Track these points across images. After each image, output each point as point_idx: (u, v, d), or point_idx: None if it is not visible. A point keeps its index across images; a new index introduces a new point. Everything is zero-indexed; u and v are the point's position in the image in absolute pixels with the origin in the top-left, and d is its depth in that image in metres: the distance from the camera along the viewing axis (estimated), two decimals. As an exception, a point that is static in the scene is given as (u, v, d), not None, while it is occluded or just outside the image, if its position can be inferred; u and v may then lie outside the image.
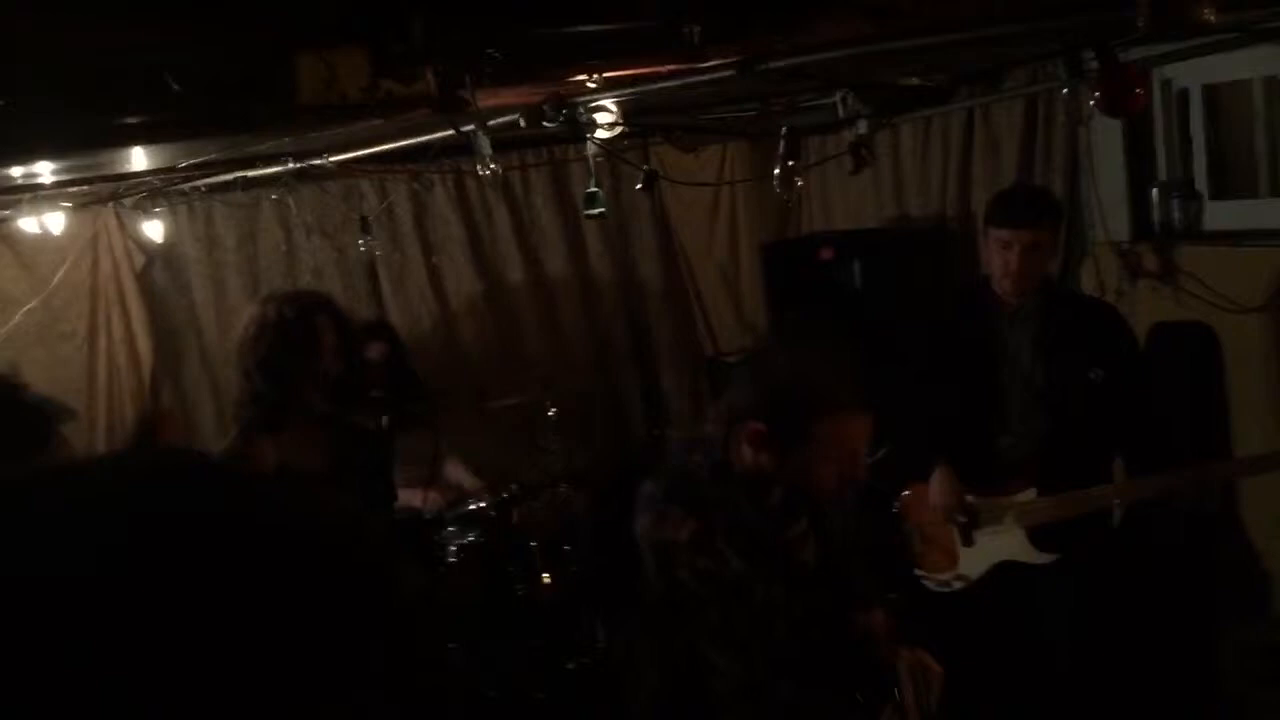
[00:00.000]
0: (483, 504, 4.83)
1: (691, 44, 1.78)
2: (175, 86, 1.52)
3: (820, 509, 2.43)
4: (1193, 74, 4.22)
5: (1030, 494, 3.49)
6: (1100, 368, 3.48)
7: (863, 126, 3.82)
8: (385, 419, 3.54)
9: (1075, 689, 3.50)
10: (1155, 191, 4.33)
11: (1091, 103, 2.40)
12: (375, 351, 4.58)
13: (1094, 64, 2.38)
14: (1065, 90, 2.46)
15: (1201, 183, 4.28)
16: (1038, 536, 3.48)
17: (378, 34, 1.61)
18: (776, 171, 2.78)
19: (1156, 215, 4.33)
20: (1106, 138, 4.38)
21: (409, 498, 4.51)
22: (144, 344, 5.14)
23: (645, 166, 3.69)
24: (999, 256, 3.42)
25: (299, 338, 2.93)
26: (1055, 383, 3.49)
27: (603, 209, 3.10)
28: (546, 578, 4.93)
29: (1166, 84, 4.32)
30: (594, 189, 3.05)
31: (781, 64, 2.01)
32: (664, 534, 2.20)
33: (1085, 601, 3.54)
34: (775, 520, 2.31)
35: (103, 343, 5.12)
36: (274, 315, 2.97)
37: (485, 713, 4.65)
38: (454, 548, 4.74)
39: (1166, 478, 3.36)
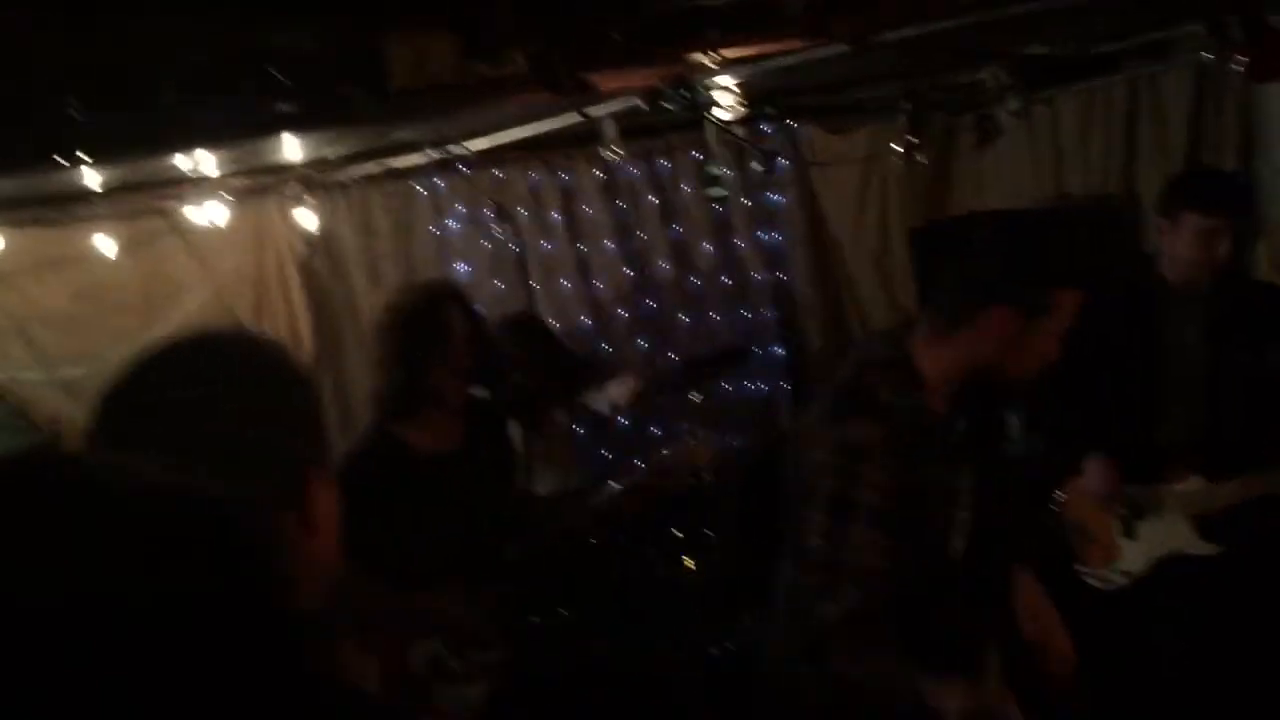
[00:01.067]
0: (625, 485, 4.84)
1: (795, 18, 1.73)
2: (277, 75, 1.56)
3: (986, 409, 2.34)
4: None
5: (1196, 482, 3.35)
6: (1274, 352, 3.30)
7: (1013, 102, 3.67)
8: (521, 403, 3.58)
9: (1243, 685, 3.33)
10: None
11: (1240, 69, 2.23)
12: (513, 341, 4.65)
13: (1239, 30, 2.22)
14: (1211, 57, 2.28)
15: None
16: (1204, 527, 3.34)
17: (466, 17, 1.62)
18: (900, 148, 2.69)
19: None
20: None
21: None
22: (306, 332, 5.33)
23: (763, 146, 3.61)
24: (1196, 243, 3.27)
25: (427, 327, 2.99)
26: (1225, 368, 3.36)
27: (725, 190, 3.06)
28: (689, 562, 4.91)
29: (1352, 50, 4.00)
30: (714, 170, 3.01)
31: (894, 36, 1.94)
32: (851, 437, 2.11)
33: (1254, 594, 3.36)
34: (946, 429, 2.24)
35: (268, 330, 5.32)
36: (405, 305, 3.05)
37: (627, 695, 4.67)
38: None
39: None
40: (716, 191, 3.12)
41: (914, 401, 2.18)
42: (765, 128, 5.24)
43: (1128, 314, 3.47)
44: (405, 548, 2.96)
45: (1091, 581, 3.52)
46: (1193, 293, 3.36)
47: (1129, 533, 3.41)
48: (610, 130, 2.75)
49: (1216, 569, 3.33)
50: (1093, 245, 2.52)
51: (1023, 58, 3.00)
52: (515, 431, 4.42)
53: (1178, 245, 3.31)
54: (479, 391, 3.29)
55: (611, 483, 4.80)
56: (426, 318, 2.98)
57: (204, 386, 1.14)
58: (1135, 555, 3.41)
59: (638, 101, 2.62)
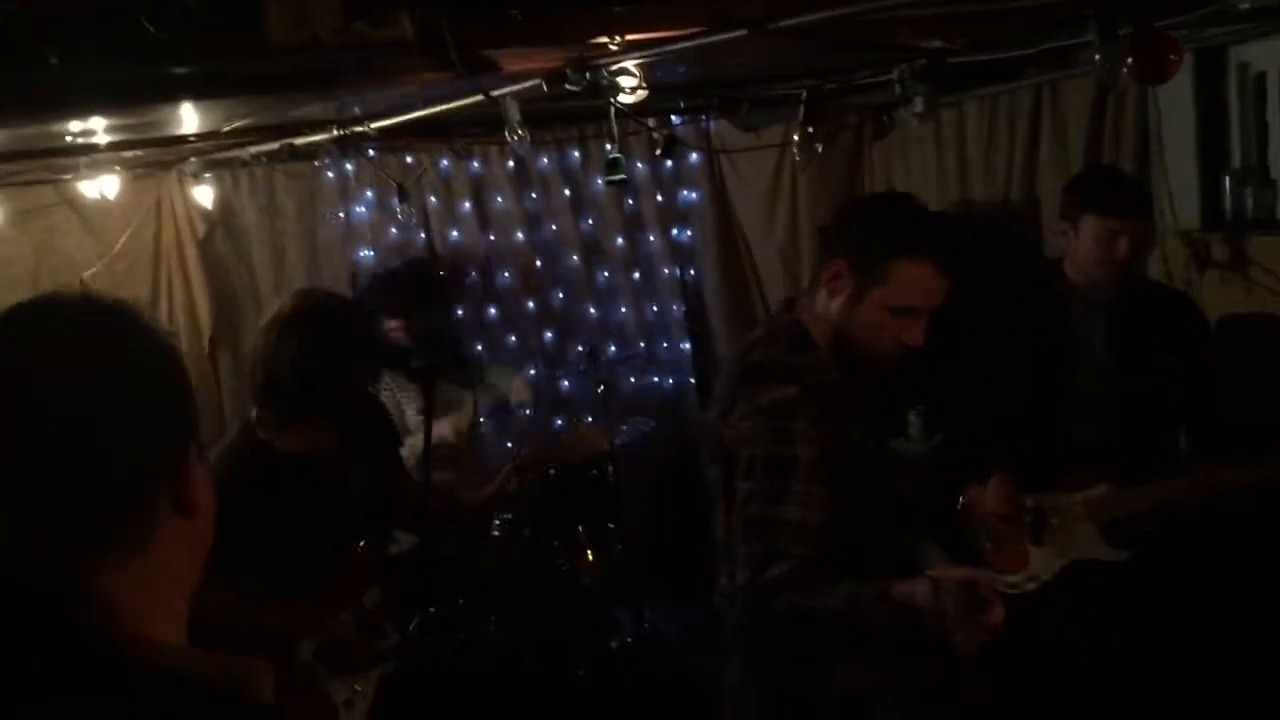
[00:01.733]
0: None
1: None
2: (151, 29, 1.50)
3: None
4: (1271, 57, 4.03)
5: (1103, 488, 3.36)
6: (1175, 356, 3.35)
7: (919, 104, 3.71)
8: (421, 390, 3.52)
9: (1154, 689, 3.37)
10: (1228, 179, 4.15)
11: (1125, 70, 2.29)
12: (398, 327, 4.61)
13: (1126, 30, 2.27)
14: (1097, 56, 2.33)
15: (1277, 170, 4.09)
16: (1111, 532, 3.34)
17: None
18: (796, 138, 2.71)
19: (1229, 203, 4.15)
20: (1178, 122, 4.21)
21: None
22: (204, 310, 5.22)
23: (663, 132, 3.61)
24: (1101, 245, 3.28)
25: (317, 335, 2.87)
26: (1130, 372, 3.38)
27: (623, 176, 3.05)
28: (590, 555, 4.90)
29: (1243, 66, 4.13)
30: (615, 155, 3.00)
31: (792, 22, 1.94)
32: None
33: (1163, 598, 3.39)
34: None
35: (164, 308, 5.20)
36: (293, 311, 2.93)
37: (526, 687, 4.65)
38: (498, 522, 4.74)
39: (1242, 469, 3.22)
40: (616, 177, 3.11)
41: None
42: (675, 120, 5.25)
43: (1033, 317, 3.48)
44: (281, 549, 2.86)
45: (998, 586, 3.53)
46: (1097, 296, 3.38)
47: (1037, 540, 3.39)
48: (513, 112, 2.71)
49: (1121, 574, 3.35)
50: (959, 232, 2.58)
51: (930, 59, 3.02)
52: (410, 418, 4.37)
53: (1080, 248, 3.32)
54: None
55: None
56: (315, 326, 2.86)
57: (71, 360, 1.01)
58: (1043, 562, 3.39)
59: (539, 84, 2.57)
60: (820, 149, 2.83)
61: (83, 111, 2.80)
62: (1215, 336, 3.96)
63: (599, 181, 5.81)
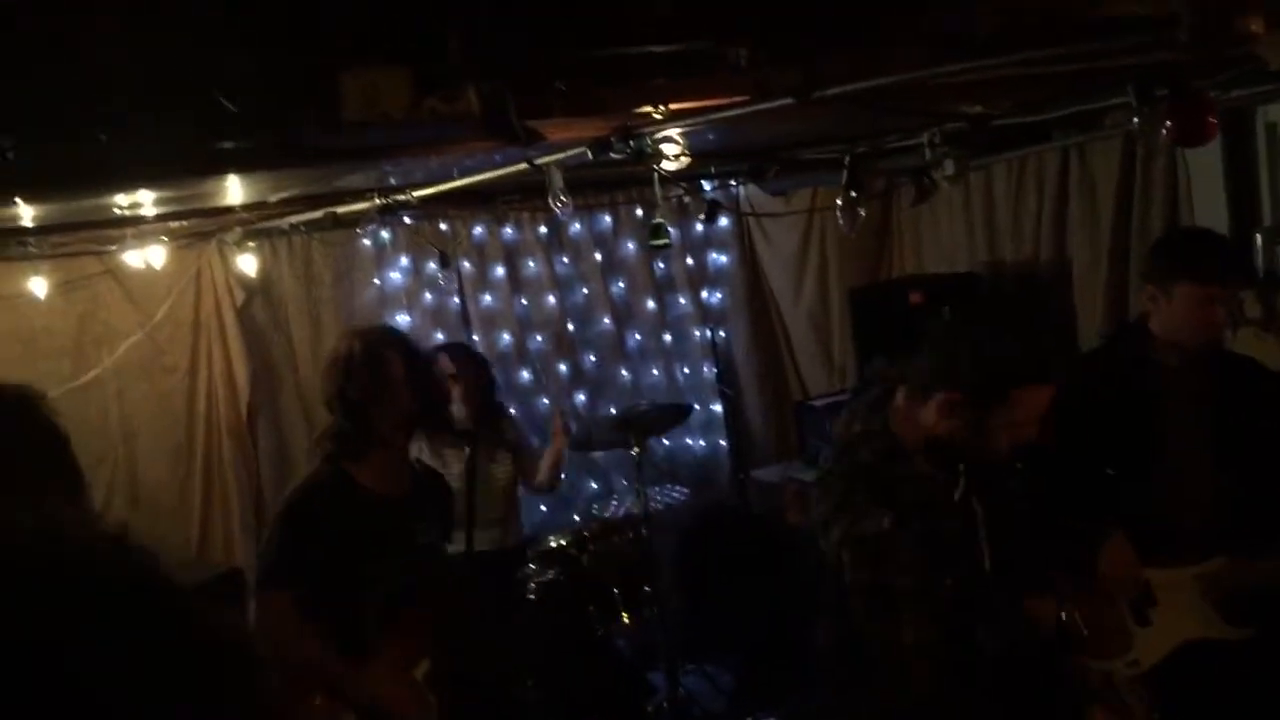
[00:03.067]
0: (563, 542, 4.85)
1: (738, 66, 1.77)
2: (229, 106, 1.56)
3: (980, 480, 2.44)
4: (1299, 114, 4.09)
5: (1216, 562, 3.09)
6: (1270, 419, 3.14)
7: (949, 167, 3.76)
8: (467, 449, 3.57)
9: None
10: (1259, 236, 4.17)
11: (1164, 132, 2.32)
12: (455, 384, 4.67)
13: (1164, 94, 2.31)
14: (1136, 120, 2.37)
15: (1306, 227, 4.11)
16: (1229, 610, 3.07)
17: (420, 54, 1.64)
18: (839, 202, 2.75)
19: (1260, 260, 4.17)
20: (1208, 182, 4.25)
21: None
22: (242, 378, 5.28)
23: (710, 197, 3.66)
24: (1196, 314, 3.06)
25: (367, 373, 2.98)
26: (1230, 437, 3.15)
27: (667, 240, 3.10)
28: (626, 618, 4.89)
29: (1271, 126, 4.18)
30: (659, 220, 3.05)
31: (836, 91, 1.99)
32: (865, 529, 2.25)
33: None
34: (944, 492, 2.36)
35: (203, 376, 5.26)
36: (345, 350, 3.04)
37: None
38: (533, 585, 4.75)
39: None
40: (660, 242, 3.16)
41: (905, 470, 2.33)
42: (707, 185, 5.33)
43: (1124, 388, 3.24)
44: (349, 586, 2.93)
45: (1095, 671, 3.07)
46: (1188, 362, 3.17)
47: (1141, 619, 3.10)
48: (557, 179, 2.78)
49: (1241, 655, 3.06)
50: (1048, 341, 2.61)
51: (964, 122, 3.06)
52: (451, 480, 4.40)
53: (1174, 315, 3.10)
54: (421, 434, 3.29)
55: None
56: (365, 363, 2.97)
57: None
58: (1149, 644, 3.08)
59: (584, 152, 2.64)
60: (863, 213, 2.86)
61: (143, 185, 2.88)
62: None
63: (629, 245, 5.91)
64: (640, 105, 2.36)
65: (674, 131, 2.55)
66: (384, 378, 2.98)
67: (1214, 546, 3.08)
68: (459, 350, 4.94)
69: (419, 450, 4.38)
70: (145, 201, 3.75)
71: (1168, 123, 2.27)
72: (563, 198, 2.88)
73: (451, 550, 3.42)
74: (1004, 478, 2.50)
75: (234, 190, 3.62)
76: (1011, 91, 2.67)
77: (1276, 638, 3.04)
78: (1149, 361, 3.19)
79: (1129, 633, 3.06)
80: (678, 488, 5.45)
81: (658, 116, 2.43)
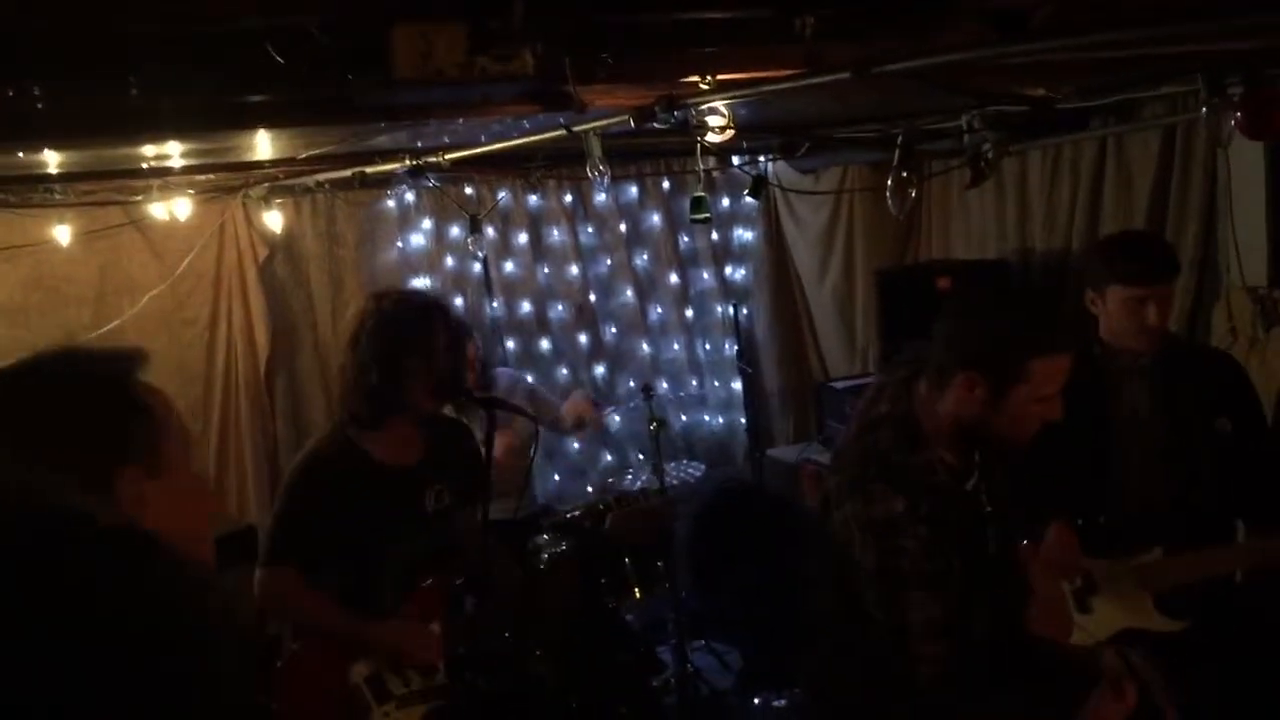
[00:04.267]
0: (577, 513, 4.82)
1: (803, 36, 1.72)
2: (277, 58, 1.52)
3: (992, 471, 2.44)
4: (1346, 112, 4.01)
5: (1155, 554, 3.17)
6: (1224, 418, 3.26)
7: (987, 149, 3.70)
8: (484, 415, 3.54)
9: None
10: (1299, 235, 4.11)
11: (1232, 124, 2.26)
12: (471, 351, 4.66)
13: (1237, 86, 2.25)
14: (1205, 110, 2.32)
15: (1347, 227, 4.05)
16: (1166, 602, 3.14)
17: (477, 11, 1.60)
18: (890, 182, 2.70)
19: (1300, 260, 4.11)
20: (1247, 177, 4.18)
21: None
22: (261, 334, 5.26)
23: (755, 172, 3.61)
24: (1132, 313, 3.18)
25: (414, 335, 2.93)
26: (1178, 437, 3.26)
27: (708, 215, 3.05)
28: (638, 592, 4.88)
29: (1316, 122, 4.11)
30: (701, 194, 3.00)
31: (899, 67, 1.94)
32: (877, 512, 2.23)
33: (1222, 674, 3.21)
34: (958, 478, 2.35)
35: (223, 331, 5.25)
36: (390, 311, 2.99)
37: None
38: (545, 556, 4.73)
39: None
40: (702, 215, 3.11)
41: (922, 459, 2.29)
42: (736, 160, 5.28)
43: (1074, 388, 3.41)
44: (353, 552, 2.91)
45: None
46: (1137, 361, 3.29)
47: (1082, 607, 3.19)
48: (596, 147, 2.73)
49: (1176, 646, 3.11)
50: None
51: (1002, 103, 3.00)
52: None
53: (1111, 317, 3.25)
54: (450, 403, 3.26)
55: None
56: (414, 326, 2.92)
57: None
58: (1089, 631, 3.18)
59: (627, 120, 2.59)
60: (914, 194, 2.81)
61: (174, 136, 2.84)
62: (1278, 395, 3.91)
63: (655, 217, 5.86)
64: (690, 74, 2.31)
65: (720, 103, 2.50)
66: (431, 343, 2.94)
67: (1154, 540, 3.15)
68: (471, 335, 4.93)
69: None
70: (173, 153, 3.70)
71: (1237, 115, 2.21)
72: (601, 165, 2.83)
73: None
74: (1017, 463, 2.51)
75: (263, 145, 3.57)
76: (1070, 75, 2.61)
77: (1209, 631, 3.11)
78: (1095, 366, 3.27)
79: (1070, 619, 3.15)
80: (694, 464, 5.42)
81: (705, 86, 2.38)
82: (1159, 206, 4.48)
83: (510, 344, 5.69)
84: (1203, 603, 3.14)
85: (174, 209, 4.62)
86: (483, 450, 3.62)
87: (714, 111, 2.57)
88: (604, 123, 2.66)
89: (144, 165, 3.98)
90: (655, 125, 2.51)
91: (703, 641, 5.37)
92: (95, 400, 1.35)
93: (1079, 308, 3.61)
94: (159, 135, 2.99)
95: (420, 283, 5.52)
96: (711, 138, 2.67)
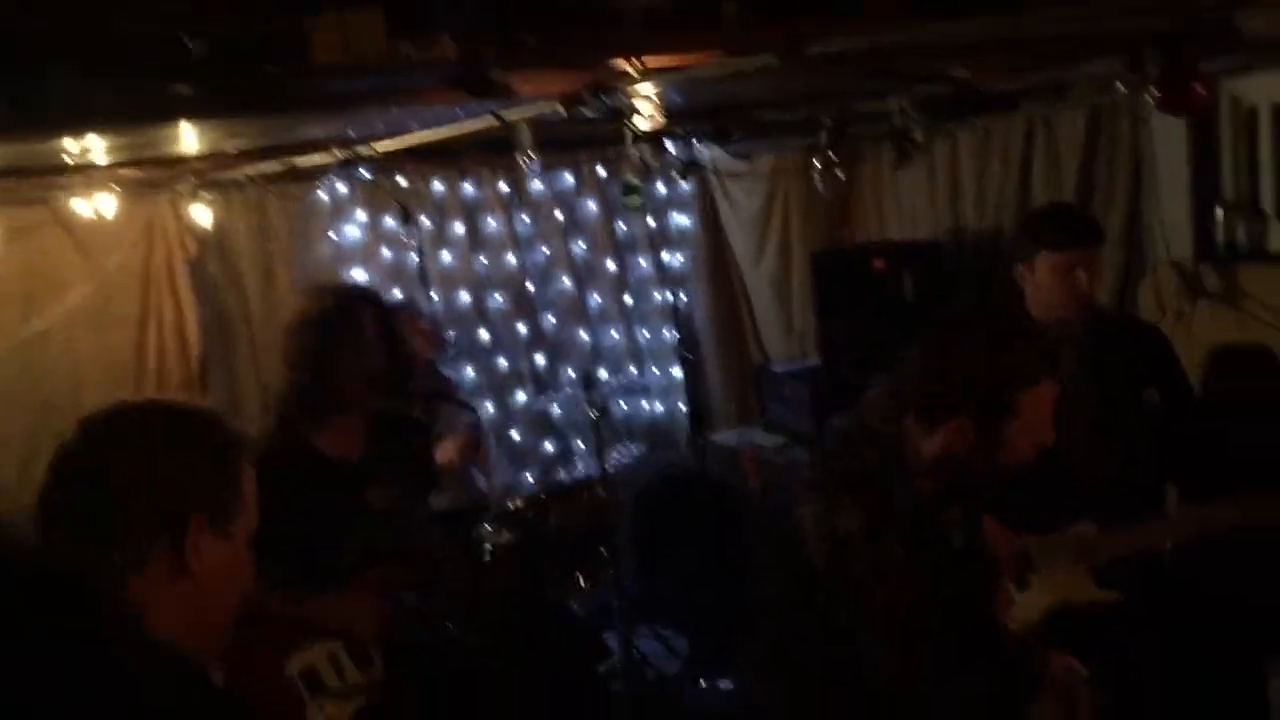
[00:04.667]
0: (519, 504, 4.81)
1: (728, 19, 1.72)
2: (192, 48, 1.49)
3: (974, 496, 2.43)
4: (1262, 91, 4.10)
5: (1088, 529, 3.22)
6: (1153, 390, 3.33)
7: (917, 133, 3.74)
8: (426, 409, 3.52)
9: None
10: (1220, 210, 4.20)
11: (1151, 101, 2.30)
12: (416, 343, 4.63)
13: (1156, 62, 2.29)
14: (1124, 87, 2.36)
15: (1268, 202, 4.14)
16: (1100, 574, 3.19)
17: (391, -2, 1.58)
18: (818, 163, 2.72)
19: (1220, 235, 4.20)
20: (1171, 155, 4.26)
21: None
22: (193, 332, 5.17)
23: (686, 157, 3.61)
24: (1062, 281, 3.24)
25: (340, 330, 2.90)
26: (1108, 408, 3.31)
27: (641, 200, 3.05)
28: (582, 580, 4.88)
29: (1235, 100, 4.19)
30: (634, 181, 3.00)
31: (826, 49, 1.95)
32: (835, 524, 2.22)
33: (1154, 641, 3.32)
34: (936, 508, 2.33)
35: (153, 330, 5.15)
36: (317, 307, 2.95)
37: (515, 710, 4.61)
38: (489, 547, 4.71)
39: (1226, 507, 3.16)
40: (634, 202, 3.11)
41: (900, 482, 2.27)
42: (670, 145, 5.28)
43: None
44: (305, 552, 2.88)
45: None
46: (1065, 333, 3.28)
47: (1020, 584, 3.23)
48: (526, 135, 2.71)
49: (1113, 618, 3.20)
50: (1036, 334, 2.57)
51: (948, 86, 3.03)
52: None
53: (1040, 287, 3.30)
54: (388, 397, 3.22)
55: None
56: (339, 321, 2.88)
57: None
58: (1028, 606, 3.22)
59: (556, 107, 2.58)
60: (843, 176, 2.83)
61: (97, 130, 2.77)
62: (1206, 367, 4.00)
63: (591, 205, 5.84)
64: (615, 57, 2.30)
65: (649, 89, 2.50)
66: (358, 336, 2.90)
67: (1088, 514, 3.19)
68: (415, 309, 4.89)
69: None
70: (96, 148, 3.63)
71: (1155, 92, 2.25)
72: (531, 154, 2.82)
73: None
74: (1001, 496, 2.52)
75: (188, 138, 3.51)
76: (994, 56, 2.64)
77: (1143, 601, 3.18)
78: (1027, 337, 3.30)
79: (1010, 598, 3.15)
80: (635, 450, 5.42)
81: (633, 72, 2.38)
82: (1086, 185, 4.56)
83: (449, 334, 5.65)
84: (1138, 574, 3.21)
85: (100, 206, 4.52)
86: (429, 442, 3.62)
87: (643, 97, 2.57)
88: (532, 110, 2.65)
89: (67, 161, 3.89)
90: (585, 112, 2.51)
91: (648, 627, 5.39)
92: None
93: (1008, 282, 3.68)
94: (79, 129, 2.93)
95: (356, 275, 5.46)
96: (640, 123, 2.68)
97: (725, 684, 4.74)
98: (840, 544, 2.21)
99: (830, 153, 2.76)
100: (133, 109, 2.43)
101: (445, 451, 4.59)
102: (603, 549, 4.93)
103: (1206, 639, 3.64)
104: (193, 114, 2.59)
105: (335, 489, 2.93)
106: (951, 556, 2.35)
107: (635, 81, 2.40)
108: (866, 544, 2.19)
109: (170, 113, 2.39)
